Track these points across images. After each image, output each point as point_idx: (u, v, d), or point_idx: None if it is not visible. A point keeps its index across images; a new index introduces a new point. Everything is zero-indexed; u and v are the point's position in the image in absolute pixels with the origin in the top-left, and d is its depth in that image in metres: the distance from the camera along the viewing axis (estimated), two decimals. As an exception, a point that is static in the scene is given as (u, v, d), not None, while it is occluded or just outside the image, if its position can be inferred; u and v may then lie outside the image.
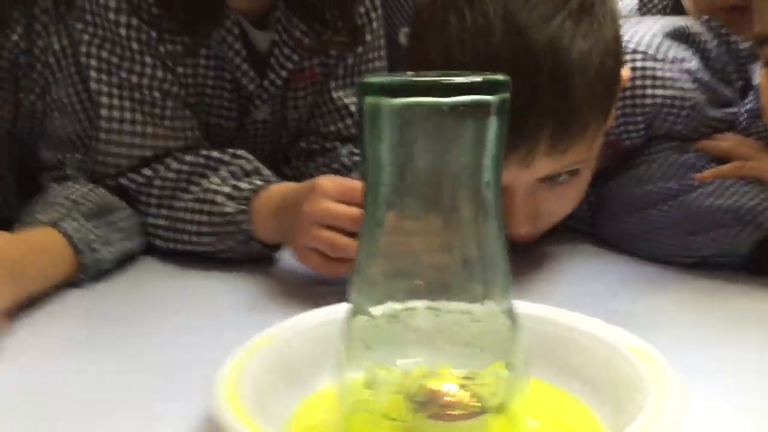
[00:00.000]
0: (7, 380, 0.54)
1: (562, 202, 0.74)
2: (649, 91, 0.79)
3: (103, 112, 0.80)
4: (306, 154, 0.95)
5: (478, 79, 0.39)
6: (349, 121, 0.93)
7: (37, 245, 0.68)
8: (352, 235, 0.64)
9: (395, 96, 0.39)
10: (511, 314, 0.42)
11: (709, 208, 0.73)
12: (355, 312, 0.43)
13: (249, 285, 0.73)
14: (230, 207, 0.76)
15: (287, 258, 0.78)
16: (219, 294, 0.72)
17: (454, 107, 0.38)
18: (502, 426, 0.42)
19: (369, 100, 0.40)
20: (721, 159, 0.77)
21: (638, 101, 0.79)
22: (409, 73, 0.43)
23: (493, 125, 0.39)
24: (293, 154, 0.96)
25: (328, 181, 0.68)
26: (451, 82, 0.38)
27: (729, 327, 0.63)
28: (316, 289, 0.71)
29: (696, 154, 0.78)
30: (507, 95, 0.40)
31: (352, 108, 0.93)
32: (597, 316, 0.51)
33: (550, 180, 0.70)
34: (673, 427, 0.38)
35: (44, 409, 0.50)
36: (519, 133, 0.61)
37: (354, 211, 0.64)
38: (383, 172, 0.40)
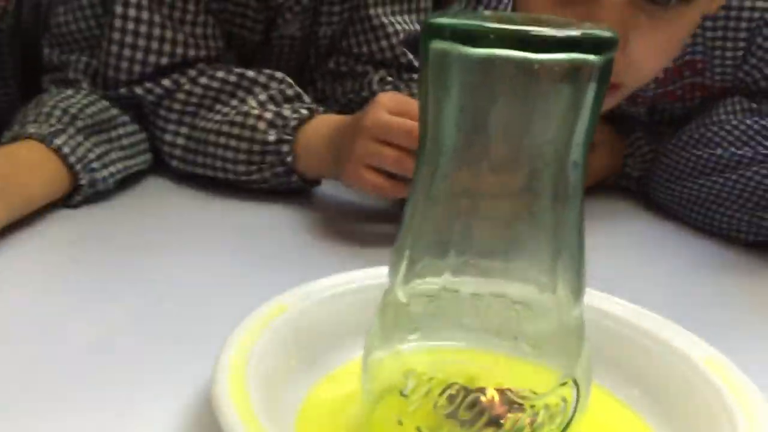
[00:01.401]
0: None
1: (657, 49, 0.61)
2: (759, 4, 0.70)
3: (118, 9, 0.71)
4: (334, 77, 0.86)
5: (577, 33, 0.30)
6: (384, 43, 0.84)
7: (25, 162, 0.60)
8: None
9: (471, 44, 0.30)
10: (579, 323, 0.35)
11: (783, 185, 0.64)
12: (391, 289, 0.36)
13: (277, 221, 0.66)
14: (273, 135, 0.68)
15: (328, 194, 0.71)
16: (239, 229, 0.65)
17: (545, 65, 0.30)
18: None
19: (436, 45, 0.31)
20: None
21: (744, 14, 0.70)
22: (486, 12, 0.34)
23: (590, 92, 0.31)
24: (319, 76, 0.87)
25: (390, 96, 0.61)
26: (544, 35, 0.30)
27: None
28: (353, 235, 0.64)
29: (778, 121, 0.69)
30: (612, 56, 0.31)
31: (390, 29, 0.84)
32: (650, 305, 0.44)
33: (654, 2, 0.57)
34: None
35: (13, 354, 0.44)
36: None
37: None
38: (445, 137, 0.32)
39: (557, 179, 0.32)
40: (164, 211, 0.68)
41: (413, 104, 0.59)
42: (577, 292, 0.35)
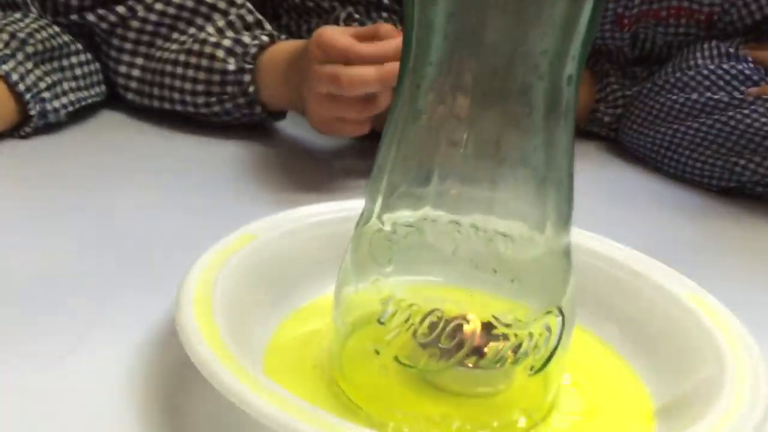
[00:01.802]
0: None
1: None
2: None
3: None
4: (299, 12, 0.82)
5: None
6: (352, -22, 0.80)
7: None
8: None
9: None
10: (567, 252, 0.33)
11: (761, 129, 0.64)
12: (368, 217, 0.34)
13: (239, 155, 0.63)
14: (232, 64, 0.64)
15: (292, 129, 0.68)
16: (199, 163, 0.62)
17: (544, -32, 0.28)
18: (532, 381, 0.34)
19: (424, -57, 0.29)
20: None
21: None
22: None
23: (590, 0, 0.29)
24: (284, 11, 0.83)
25: (334, 28, 0.57)
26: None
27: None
28: (323, 171, 0.61)
29: (754, 66, 0.68)
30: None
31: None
32: (625, 244, 0.43)
33: None
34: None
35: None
36: None
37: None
38: (432, 46, 0.30)
39: (551, 94, 0.30)
40: (120, 144, 0.64)
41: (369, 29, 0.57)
42: (566, 219, 0.33)
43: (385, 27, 0.56)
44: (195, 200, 0.55)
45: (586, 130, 0.78)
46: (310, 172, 0.62)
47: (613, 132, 0.76)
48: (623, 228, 0.59)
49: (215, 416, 0.33)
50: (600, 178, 0.71)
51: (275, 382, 0.30)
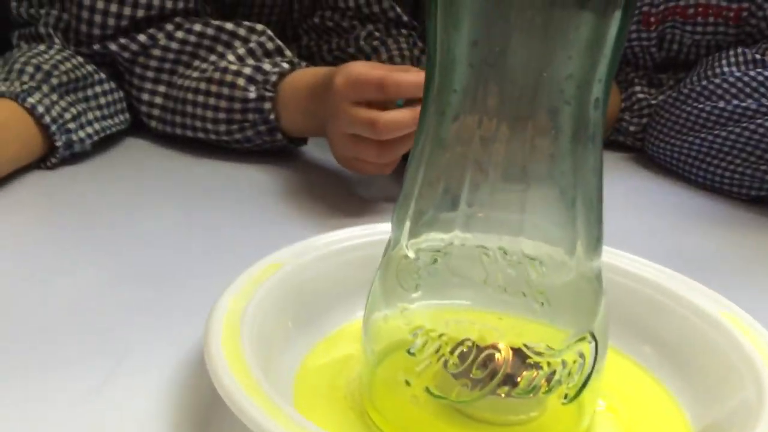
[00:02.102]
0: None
1: None
2: None
3: None
4: (319, 33, 0.82)
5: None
6: (372, -4, 0.80)
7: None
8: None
9: (485, -31, 0.27)
10: (598, 275, 0.33)
11: (790, 136, 0.63)
12: (395, 244, 0.34)
13: (263, 183, 0.63)
14: (253, 92, 0.64)
15: (316, 153, 0.68)
16: (223, 190, 0.62)
17: (567, -8, 0.27)
18: (566, 408, 0.33)
19: (445, -29, 0.28)
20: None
21: None
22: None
23: (615, 22, 0.28)
24: (304, 32, 0.83)
25: (363, 63, 0.57)
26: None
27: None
28: (349, 198, 0.61)
29: (782, 71, 0.67)
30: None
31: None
32: (654, 257, 0.42)
33: None
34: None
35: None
36: None
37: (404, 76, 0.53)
38: (456, 74, 0.30)
39: (578, 118, 0.30)
40: (144, 172, 0.65)
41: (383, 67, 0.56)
42: (596, 242, 0.33)
43: (414, 68, 0.56)
44: (222, 226, 0.55)
45: (612, 140, 0.77)
46: (335, 196, 0.62)
47: (639, 142, 0.76)
48: (652, 241, 0.58)
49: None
50: (627, 190, 0.70)
51: (305, 412, 0.30)
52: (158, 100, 0.68)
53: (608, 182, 0.69)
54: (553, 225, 0.32)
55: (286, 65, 0.65)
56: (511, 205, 0.32)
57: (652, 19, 0.74)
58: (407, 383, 0.32)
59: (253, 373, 0.31)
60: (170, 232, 0.53)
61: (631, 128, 0.75)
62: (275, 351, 0.36)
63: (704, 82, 0.69)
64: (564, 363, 0.31)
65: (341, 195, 0.62)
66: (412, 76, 0.52)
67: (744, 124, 0.65)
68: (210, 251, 0.50)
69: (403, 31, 0.81)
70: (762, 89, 0.65)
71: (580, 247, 0.32)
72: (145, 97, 0.68)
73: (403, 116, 0.52)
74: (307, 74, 0.64)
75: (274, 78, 0.64)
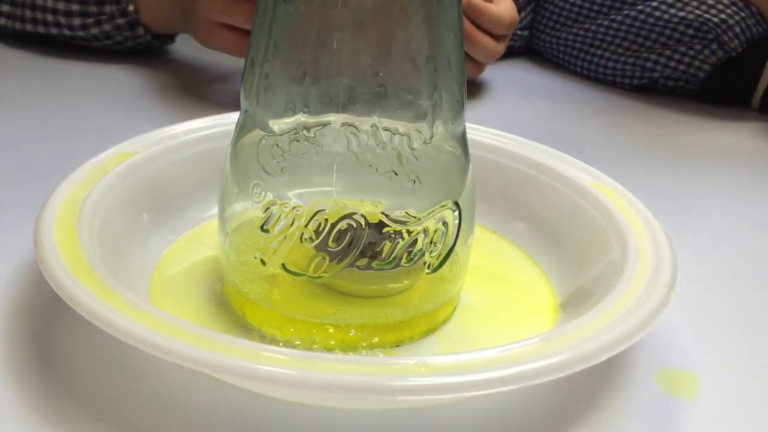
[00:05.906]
0: None
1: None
2: None
3: None
4: None
5: None
6: None
7: None
8: None
9: None
10: (463, 142, 0.31)
11: (669, 21, 0.62)
12: (249, 125, 0.31)
13: (124, 82, 0.58)
14: None
15: (183, 52, 0.63)
16: (78, 91, 0.57)
17: None
18: (433, 278, 0.32)
19: None
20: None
21: None
22: None
23: None
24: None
25: None
26: None
27: (690, 163, 0.54)
28: (211, 95, 0.57)
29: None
30: None
31: None
32: (541, 138, 0.41)
33: None
34: (667, 291, 0.29)
35: None
36: None
37: None
38: None
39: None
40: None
41: None
42: (458, 105, 0.31)
43: None
44: (77, 128, 0.50)
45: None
46: (202, 95, 0.58)
47: (524, 39, 0.74)
48: (536, 127, 0.57)
49: (87, 347, 0.30)
50: (513, 81, 0.69)
51: (162, 305, 0.27)
52: None
53: (494, 74, 0.68)
54: (411, 92, 0.30)
55: None
56: (367, 74, 0.30)
57: None
58: (263, 262, 0.30)
59: (89, 262, 0.28)
60: (19, 133, 0.48)
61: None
62: (128, 245, 0.34)
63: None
64: (426, 231, 0.30)
65: (208, 92, 0.58)
66: None
67: (625, 12, 0.64)
68: (63, 154, 0.46)
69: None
70: (641, -25, 0.65)
71: (442, 110, 0.30)
72: None
73: None
74: None
75: None
